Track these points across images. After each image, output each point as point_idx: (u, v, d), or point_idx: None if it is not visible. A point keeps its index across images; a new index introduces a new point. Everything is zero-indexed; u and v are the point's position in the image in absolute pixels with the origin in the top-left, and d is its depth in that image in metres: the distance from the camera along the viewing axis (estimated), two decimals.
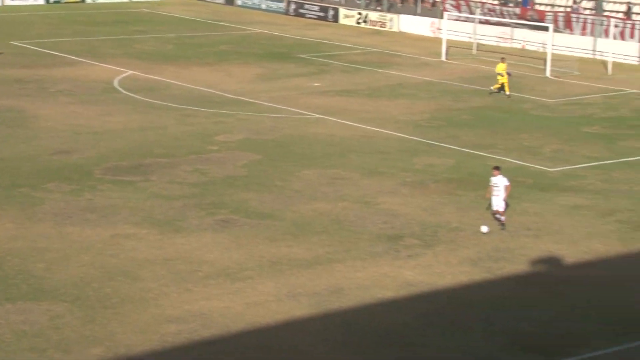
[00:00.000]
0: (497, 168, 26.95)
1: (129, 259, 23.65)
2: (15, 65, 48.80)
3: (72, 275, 22.52)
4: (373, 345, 19.62)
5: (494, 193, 26.45)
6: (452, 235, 26.02)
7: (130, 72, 48.44)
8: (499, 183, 26.45)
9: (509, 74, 45.34)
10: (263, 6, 76.25)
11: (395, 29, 67.99)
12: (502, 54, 55.27)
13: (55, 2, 74.71)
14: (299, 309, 21.20)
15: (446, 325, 20.63)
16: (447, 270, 23.66)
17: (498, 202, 26.39)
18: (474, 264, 24.08)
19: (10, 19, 65.92)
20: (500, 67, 45.11)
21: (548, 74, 51.19)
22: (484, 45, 60.61)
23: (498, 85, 45.16)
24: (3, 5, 72.28)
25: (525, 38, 60.86)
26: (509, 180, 26.67)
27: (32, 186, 29.15)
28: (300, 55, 55.73)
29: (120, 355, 18.79)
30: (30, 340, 19.17)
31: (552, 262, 24.48)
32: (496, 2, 64.94)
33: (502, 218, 26.38)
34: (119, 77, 46.86)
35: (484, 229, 25.99)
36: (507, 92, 44.76)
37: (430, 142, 36.34)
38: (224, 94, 44.04)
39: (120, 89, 44.29)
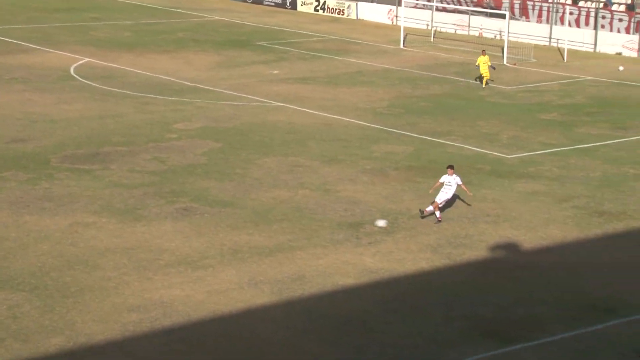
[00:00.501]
0: (451, 167, 26.77)
1: (88, 248, 23.47)
2: None
3: (30, 265, 22.29)
4: (334, 331, 19.71)
5: (444, 190, 26.25)
6: (412, 223, 26.17)
7: (86, 59, 47.95)
8: (452, 182, 26.34)
9: (492, 67, 45.13)
10: None
11: (353, 17, 68.05)
12: (459, 41, 55.61)
13: None
14: (261, 297, 21.21)
15: (407, 311, 20.79)
16: (408, 256, 23.81)
17: (441, 197, 26.21)
18: (434, 250, 24.27)
19: None
20: (482, 60, 44.81)
21: (505, 61, 51.61)
22: (441, 32, 60.92)
23: (487, 77, 44.62)
24: None
25: (482, 25, 61.29)
26: (462, 180, 26.64)
27: None
28: (259, 43, 55.56)
29: (81, 344, 18.66)
30: None
31: (510, 248, 24.75)
32: None
33: (438, 214, 26.07)
34: (75, 65, 46.35)
35: (381, 222, 25.61)
36: (484, 85, 44.56)
37: (389, 129, 36.48)
38: (182, 81, 43.78)
39: (76, 76, 43.81)
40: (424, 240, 24.92)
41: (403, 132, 36.06)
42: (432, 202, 26.24)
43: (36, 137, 33.28)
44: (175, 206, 26.82)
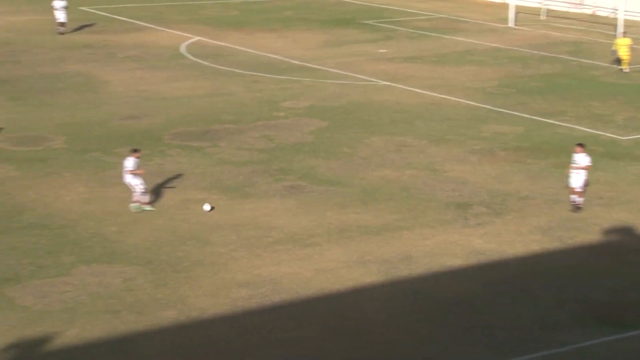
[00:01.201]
0: (580, 145, 25.37)
1: (199, 224, 23.91)
2: (84, 30, 49.36)
3: (144, 239, 22.86)
4: (441, 313, 19.60)
5: (574, 171, 25.11)
6: (522, 204, 25.74)
7: (196, 38, 48.68)
8: (581, 161, 25.11)
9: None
10: None
11: None
12: (572, 19, 54.18)
13: None
14: (368, 276, 21.24)
15: (516, 294, 20.50)
16: (517, 238, 23.45)
17: (576, 181, 25.06)
18: (544, 232, 23.82)
19: None
20: (622, 42, 43.20)
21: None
22: (553, 10, 59.49)
23: (626, 59, 42.89)
24: None
25: (596, 3, 59.55)
26: (591, 160, 25.42)
27: (104, 151, 29.59)
28: (365, 21, 55.36)
29: (193, 318, 19.07)
30: (105, 302, 19.55)
31: (624, 231, 24.09)
32: None
33: (578, 199, 25.02)
34: (185, 43, 47.13)
35: (207, 207, 24.63)
36: (625, 68, 42.81)
37: (499, 109, 35.91)
38: (290, 60, 44.03)
39: (187, 54, 44.55)
40: (534, 222, 24.49)
41: (513, 112, 35.44)
42: (571, 190, 25.03)
43: (149, 114, 34.04)
44: (283, 184, 27.06)
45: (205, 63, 42.78)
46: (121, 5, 58.35)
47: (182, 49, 45.85)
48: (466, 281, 21.16)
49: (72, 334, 18.27)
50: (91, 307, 19.31)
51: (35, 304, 19.35)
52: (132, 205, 24.51)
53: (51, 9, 49.09)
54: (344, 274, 21.33)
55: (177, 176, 27.34)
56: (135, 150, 24.83)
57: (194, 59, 43.66)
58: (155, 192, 26.01)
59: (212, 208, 24.75)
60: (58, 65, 41.24)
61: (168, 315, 19.11)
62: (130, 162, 24.43)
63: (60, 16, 46.94)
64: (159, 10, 57.36)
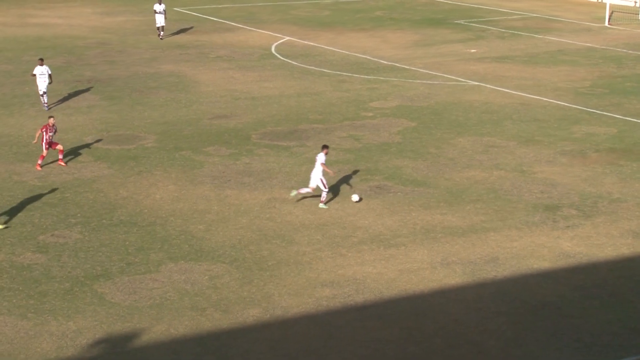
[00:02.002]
0: None
1: (284, 223, 24.08)
2: (177, 31, 50.24)
3: (231, 237, 23.14)
4: (528, 315, 19.28)
5: None
6: (614, 207, 25.14)
7: (287, 38, 49.04)
8: None
9: None
10: None
11: None
12: None
13: None
14: (453, 277, 21.06)
15: (606, 298, 20.03)
16: (608, 242, 22.91)
17: None
18: (636, 236, 23.21)
19: None
20: None
21: None
22: None
23: None
24: None
25: None
26: None
27: (193, 149, 30.07)
28: (457, 21, 54.89)
29: (277, 317, 19.21)
30: (192, 299, 19.87)
31: None
32: None
33: None
34: (276, 43, 47.52)
35: (355, 197, 25.05)
36: None
37: (591, 110, 35.14)
38: (378, 60, 43.97)
39: (277, 54, 44.92)
40: (625, 225, 23.88)
41: (606, 113, 34.64)
42: None
43: (238, 113, 34.44)
44: (369, 184, 27.03)
45: (295, 63, 43.06)
46: (214, 6, 59.20)
47: (273, 48, 46.25)
48: (554, 284, 20.77)
49: (159, 330, 18.61)
50: (178, 304, 19.64)
51: (125, 300, 19.78)
52: (321, 205, 24.96)
53: (145, 11, 50.07)
54: (429, 274, 21.20)
55: (265, 175, 27.60)
56: (325, 147, 25.26)
57: (283, 58, 43.99)
58: (244, 190, 26.31)
59: (361, 199, 25.25)
60: (151, 65, 42.08)
61: (253, 314, 19.30)
62: (322, 157, 24.93)
63: (160, 20, 47.63)
64: (250, 10, 58.00)
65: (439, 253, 22.31)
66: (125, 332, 18.50)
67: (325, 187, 24.98)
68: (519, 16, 57.00)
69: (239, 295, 20.09)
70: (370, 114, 34.57)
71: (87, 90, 37.44)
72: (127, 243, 22.67)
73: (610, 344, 18.13)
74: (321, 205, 25.06)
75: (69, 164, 28.34)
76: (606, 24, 53.95)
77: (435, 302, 19.92)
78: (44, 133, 27.70)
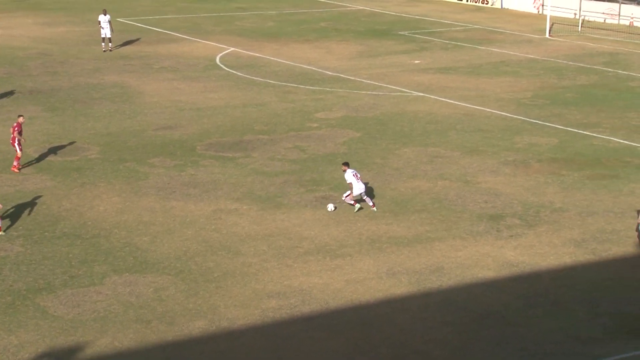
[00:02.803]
0: None
1: (230, 234, 23.99)
2: (121, 41, 49.82)
3: (176, 249, 22.98)
4: (473, 324, 19.46)
5: None
6: (556, 216, 25.52)
7: (231, 48, 48.95)
8: None
9: None
10: None
11: (497, 5, 66.85)
12: (608, 30, 53.78)
13: None
14: (399, 287, 21.17)
15: (549, 307, 20.30)
16: (550, 251, 23.24)
17: None
18: (578, 245, 23.59)
19: None
20: None
21: None
22: (589, 22, 59.06)
23: None
24: None
25: (633, 14, 59.01)
26: None
27: (138, 161, 29.81)
28: (401, 32, 55.35)
29: (223, 328, 19.11)
30: (137, 312, 19.67)
31: None
32: None
33: None
34: (220, 54, 47.39)
35: (330, 207, 25.51)
36: None
37: (533, 120, 35.66)
38: (324, 71, 44.11)
39: (222, 65, 44.80)
40: (567, 234, 24.26)
41: (547, 124, 35.18)
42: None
43: (183, 124, 34.25)
44: (315, 195, 27.08)
45: (240, 74, 43.00)
46: (158, 17, 58.87)
47: (217, 59, 46.12)
48: (498, 293, 21.00)
49: (103, 343, 18.39)
50: (123, 317, 19.43)
51: (68, 313, 19.51)
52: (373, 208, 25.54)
53: (88, 21, 49.53)
54: (375, 284, 21.28)
55: (210, 186, 27.49)
56: (345, 164, 25.73)
57: (228, 69, 43.90)
58: (189, 201, 26.17)
59: (336, 208, 25.50)
60: (94, 75, 41.67)
61: (198, 325, 19.18)
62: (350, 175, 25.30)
63: (105, 32, 47.04)
64: (195, 21, 57.80)
65: (385, 263, 22.42)
66: (68, 345, 18.24)
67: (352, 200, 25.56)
68: (462, 28, 57.70)
69: (185, 307, 19.94)
70: (316, 125, 34.65)
71: (29, 101, 36.92)
72: (71, 256, 22.38)
73: (554, 352, 18.38)
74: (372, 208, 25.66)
75: (9, 176, 27.87)
76: (547, 35, 54.87)
77: (382, 312, 20.01)
78: (15, 132, 27.59)
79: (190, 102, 37.63)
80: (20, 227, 23.96)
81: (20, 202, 25.75)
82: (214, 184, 27.84)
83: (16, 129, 28.02)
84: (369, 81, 42.07)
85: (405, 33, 55.20)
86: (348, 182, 25.51)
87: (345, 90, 40.15)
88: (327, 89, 40.33)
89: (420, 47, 50.83)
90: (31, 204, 25.65)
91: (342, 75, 43.11)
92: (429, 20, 60.17)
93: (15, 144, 27.96)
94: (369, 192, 26.58)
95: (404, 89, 40.61)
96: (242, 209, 25.77)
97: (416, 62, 46.88)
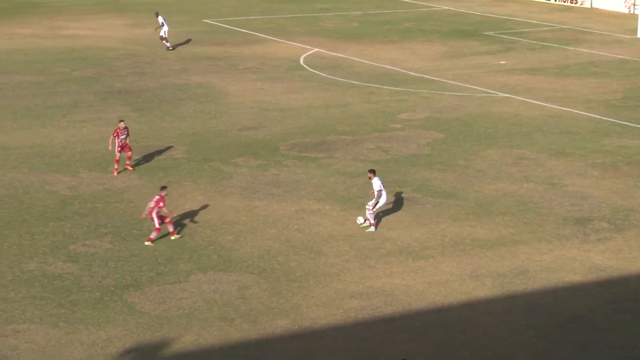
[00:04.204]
0: None
1: (313, 234, 24.08)
2: (206, 42, 50.51)
3: (259, 248, 23.17)
4: (559, 329, 19.13)
5: None
6: None
7: (315, 49, 49.14)
8: None
9: None
10: None
11: (587, 5, 65.58)
12: None
13: None
14: (482, 290, 20.94)
15: (638, 312, 19.83)
16: None
17: None
18: None
19: None
20: None
21: None
22: None
23: None
24: None
25: None
26: None
27: (222, 160, 30.17)
28: (486, 33, 54.74)
29: (305, 327, 19.19)
30: (221, 310, 19.90)
31: None
32: None
33: None
34: (304, 55, 47.62)
35: (360, 220, 24.21)
36: None
37: (623, 122, 34.87)
38: (407, 72, 43.93)
39: (305, 66, 45.02)
40: None
41: (637, 126, 34.36)
42: None
43: (266, 125, 34.53)
44: (397, 196, 26.96)
45: (323, 74, 43.13)
46: (243, 18, 59.48)
47: (301, 60, 46.36)
48: (585, 298, 20.60)
49: (188, 339, 18.66)
50: (207, 314, 19.69)
51: (154, 310, 19.86)
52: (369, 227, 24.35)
53: (174, 23, 50.31)
54: (458, 287, 21.09)
55: (293, 187, 27.64)
56: (372, 171, 24.44)
57: (311, 70, 44.08)
58: (272, 201, 26.37)
59: (366, 220, 24.45)
60: (181, 76, 42.32)
61: (281, 324, 19.30)
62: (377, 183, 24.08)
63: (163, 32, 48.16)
64: (279, 22, 58.21)
65: (468, 265, 22.20)
66: (154, 341, 18.57)
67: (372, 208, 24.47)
68: (550, 28, 56.76)
69: (267, 306, 20.10)
70: (399, 126, 34.52)
71: (117, 101, 37.73)
72: (157, 253, 22.77)
73: None
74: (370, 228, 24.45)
75: (99, 174, 28.52)
76: (638, 35, 53.57)
77: (464, 315, 19.82)
78: (116, 138, 28.21)
79: (274, 102, 37.90)
80: (109, 225, 24.50)
81: (109, 199, 26.32)
82: (296, 184, 27.98)
83: (117, 134, 28.37)
84: (453, 82, 41.73)
85: (491, 33, 54.58)
86: (377, 190, 23.99)
87: (429, 91, 39.91)
88: (411, 90, 40.15)
89: (507, 48, 50.20)
90: (119, 201, 26.19)
91: (426, 76, 42.87)
92: (516, 20, 59.37)
93: (116, 147, 28.43)
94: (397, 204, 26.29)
95: (488, 90, 40.16)
96: (324, 209, 25.85)
97: (502, 62, 46.31)
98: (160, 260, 22.37)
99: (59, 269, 21.69)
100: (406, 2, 67.82)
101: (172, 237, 23.48)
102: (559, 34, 54.45)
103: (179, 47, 48.98)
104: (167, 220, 23.50)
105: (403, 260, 22.52)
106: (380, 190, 24.06)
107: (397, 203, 26.34)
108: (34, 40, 49.45)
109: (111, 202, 26.15)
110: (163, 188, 23.92)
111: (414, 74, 43.48)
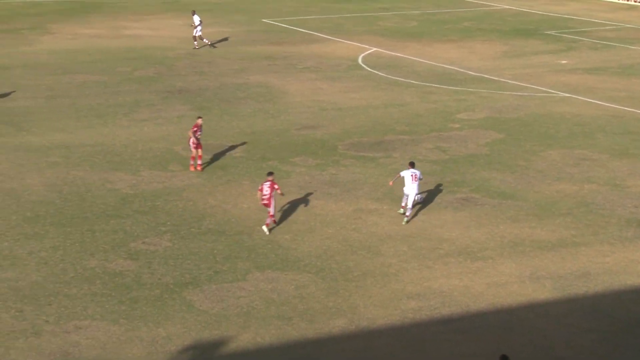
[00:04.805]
0: None
1: (370, 234, 24.04)
2: (265, 42, 50.76)
3: (316, 247, 23.20)
4: (621, 333, 18.81)
5: None
6: None
7: (373, 49, 49.05)
8: None
9: None
10: None
11: None
12: None
13: None
14: (542, 292, 20.69)
15: None
16: None
17: None
18: None
19: None
20: None
21: None
22: None
23: None
24: None
25: None
26: None
27: (280, 159, 30.28)
28: (547, 32, 54.08)
29: (362, 327, 19.16)
30: (278, 308, 19.97)
31: None
32: None
33: None
34: (362, 54, 47.56)
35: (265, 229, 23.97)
36: None
37: None
38: (466, 71, 43.61)
39: (363, 65, 44.96)
40: None
41: None
42: None
43: (324, 124, 34.56)
44: (455, 196, 26.80)
45: (381, 74, 43.04)
46: (302, 18, 59.64)
47: (359, 59, 46.31)
48: None
49: (246, 338, 18.76)
50: (265, 313, 19.77)
51: (212, 308, 20.01)
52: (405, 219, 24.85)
53: (233, 22, 50.57)
54: (517, 288, 20.87)
55: (351, 186, 27.62)
56: (411, 163, 25.19)
57: (370, 69, 44.01)
58: (330, 201, 26.38)
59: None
60: (240, 75, 42.58)
61: (338, 324, 19.30)
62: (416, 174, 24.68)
63: (196, 31, 48.66)
64: (337, 22, 58.23)
65: (528, 267, 21.96)
66: (213, 339, 18.70)
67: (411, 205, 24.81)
68: (613, 27, 55.86)
69: (325, 306, 20.11)
70: (458, 126, 34.28)
71: (177, 100, 38.10)
72: (215, 251, 22.95)
73: None
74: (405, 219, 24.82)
75: (160, 172, 28.83)
76: None
77: (524, 317, 19.61)
78: (193, 134, 28.67)
79: (332, 102, 37.92)
80: (169, 223, 24.75)
81: (169, 197, 26.60)
82: (354, 183, 27.96)
83: (196, 130, 28.81)
84: (513, 82, 41.30)
85: (552, 32, 53.91)
86: (401, 175, 24.76)
87: (488, 91, 39.56)
88: (470, 90, 39.84)
89: (568, 47, 49.53)
90: (179, 200, 26.45)
91: (485, 76, 42.50)
92: (578, 20, 58.54)
93: (191, 143, 28.82)
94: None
95: (549, 90, 39.66)
96: (382, 209, 25.78)
97: (563, 62, 45.70)
98: (218, 258, 22.53)
99: (119, 266, 21.98)
100: (465, 1, 67.32)
101: (264, 228, 24.01)
102: (622, 33, 53.55)
103: (238, 47, 49.26)
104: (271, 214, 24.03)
105: (461, 261, 22.36)
106: (402, 176, 24.83)
107: (455, 203, 26.16)
108: (96, 41, 50.21)
109: (171, 200, 26.42)
110: (270, 173, 24.44)
111: (473, 73, 43.13)
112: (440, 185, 27.72)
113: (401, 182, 24.99)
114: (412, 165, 25.11)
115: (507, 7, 64.31)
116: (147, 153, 30.77)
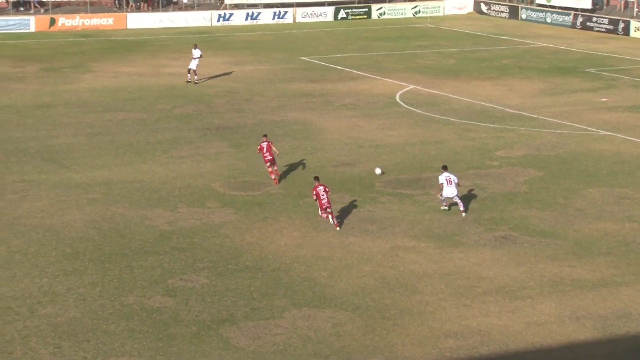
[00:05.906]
0: None
1: (407, 272, 23.91)
2: (303, 79, 51.05)
3: (353, 285, 23.11)
4: None
5: None
6: None
7: (411, 86, 49.12)
8: None
9: None
10: (548, 19, 74.49)
11: None
12: None
13: (342, 18, 77.38)
14: (583, 332, 20.39)
15: None
16: None
17: None
18: None
19: (302, 35, 69.02)
20: None
21: None
22: None
23: None
24: (295, 22, 75.95)
25: None
26: None
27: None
28: (587, 70, 53.83)
29: None
30: (315, 346, 19.89)
31: None
32: None
33: None
34: (400, 92, 47.65)
35: (378, 170, 27.34)
36: None
37: None
38: (505, 108, 43.48)
39: (401, 102, 45.02)
40: None
41: None
42: None
43: (362, 161, 34.58)
44: (494, 234, 26.60)
45: (419, 111, 43.04)
46: (339, 55, 59.96)
47: (397, 97, 46.39)
48: None
49: None
50: (301, 350, 19.70)
51: (249, 345, 19.98)
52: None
53: (272, 60, 50.88)
54: (557, 328, 20.60)
55: (388, 223, 27.53)
56: (444, 167, 28.26)
57: (407, 107, 44.05)
58: (367, 238, 26.32)
59: (383, 172, 27.43)
60: (277, 113, 42.83)
61: None
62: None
63: (193, 64, 49.22)
64: (375, 59, 58.45)
65: (568, 307, 21.67)
66: None
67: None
68: None
69: (362, 344, 19.98)
70: (496, 163, 34.12)
71: (216, 137, 38.38)
72: (252, 288, 22.95)
73: None
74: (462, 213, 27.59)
75: (197, 209, 28.97)
76: None
77: (564, 358, 19.34)
78: (261, 151, 31.66)
79: (370, 139, 37.96)
80: (206, 259, 24.83)
81: (206, 234, 26.70)
82: (391, 220, 27.88)
83: (262, 147, 31.46)
84: (552, 119, 41.09)
85: (592, 70, 53.64)
86: (440, 182, 27.80)
87: (527, 129, 39.38)
88: (508, 127, 39.69)
89: (608, 85, 49.22)
90: (216, 236, 26.55)
91: (524, 113, 42.33)
92: (618, 58, 58.22)
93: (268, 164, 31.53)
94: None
95: (589, 128, 39.39)
96: (419, 247, 25.66)
97: (603, 100, 45.41)
98: (255, 295, 22.53)
99: (157, 303, 22.05)
100: (504, 39, 67.29)
101: (338, 229, 26.55)
102: None
103: (276, 85, 49.59)
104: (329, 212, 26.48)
105: (500, 299, 22.14)
106: (442, 184, 27.76)
107: (493, 241, 25.96)
108: (137, 79, 50.86)
109: (208, 237, 26.51)
110: (317, 178, 27.37)
111: (511, 110, 42.99)
112: (478, 222, 27.54)
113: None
114: (445, 169, 27.62)
115: (546, 45, 64.16)
116: (185, 190, 30.97)
